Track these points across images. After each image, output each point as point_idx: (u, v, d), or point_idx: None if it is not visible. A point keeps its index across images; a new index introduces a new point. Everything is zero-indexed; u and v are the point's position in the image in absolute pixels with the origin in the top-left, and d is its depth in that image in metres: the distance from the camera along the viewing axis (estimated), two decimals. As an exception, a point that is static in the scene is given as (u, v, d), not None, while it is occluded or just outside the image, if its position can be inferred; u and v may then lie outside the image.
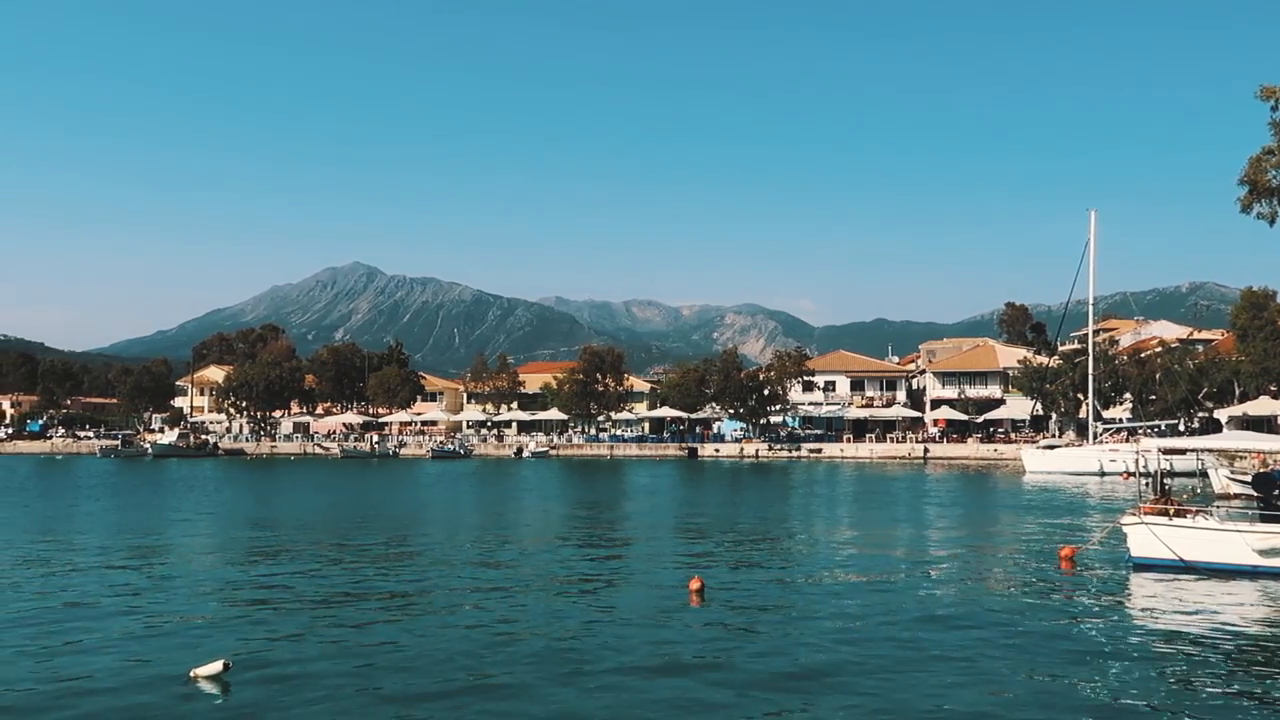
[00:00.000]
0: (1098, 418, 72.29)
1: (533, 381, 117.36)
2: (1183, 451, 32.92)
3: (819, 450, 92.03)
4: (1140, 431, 69.73)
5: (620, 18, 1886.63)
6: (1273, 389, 71.31)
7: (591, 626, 16.47)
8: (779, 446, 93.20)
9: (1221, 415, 69.72)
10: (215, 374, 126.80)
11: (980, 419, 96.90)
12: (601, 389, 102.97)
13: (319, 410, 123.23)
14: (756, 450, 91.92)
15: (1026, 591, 19.90)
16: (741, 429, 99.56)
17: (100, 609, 17.90)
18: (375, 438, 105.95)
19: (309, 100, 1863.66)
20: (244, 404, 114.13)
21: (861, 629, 16.24)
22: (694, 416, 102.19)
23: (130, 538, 29.14)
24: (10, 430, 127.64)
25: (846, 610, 17.79)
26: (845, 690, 12.78)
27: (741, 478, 62.82)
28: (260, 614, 17.55)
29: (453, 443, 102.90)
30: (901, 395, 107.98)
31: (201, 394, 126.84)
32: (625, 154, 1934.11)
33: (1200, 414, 75.26)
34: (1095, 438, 69.10)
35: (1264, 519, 21.71)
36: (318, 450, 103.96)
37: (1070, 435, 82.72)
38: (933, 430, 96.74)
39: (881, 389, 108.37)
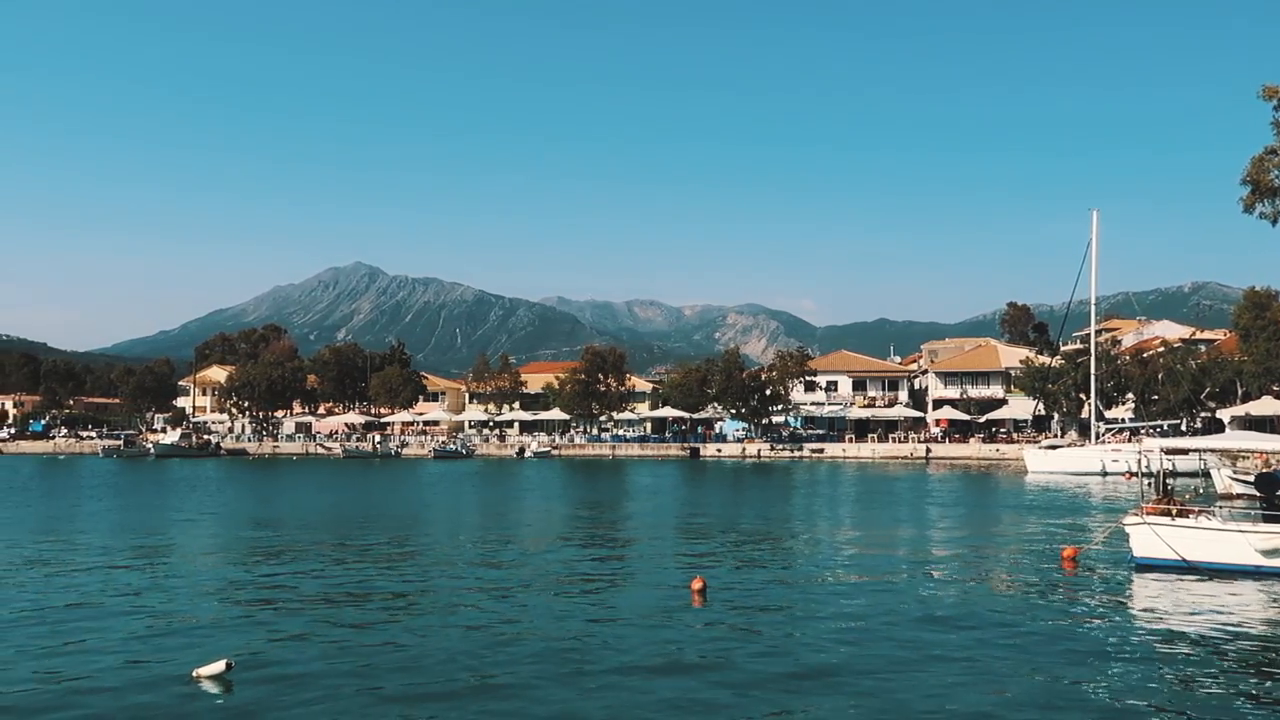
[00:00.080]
0: (1100, 418, 72.26)
1: (535, 381, 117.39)
2: (1185, 451, 32.80)
3: (821, 450, 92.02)
4: (1142, 431, 69.67)
5: (621, 18, 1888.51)
6: (1275, 389, 71.25)
7: (593, 626, 16.48)
8: (781, 446, 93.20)
9: (1224, 415, 69.66)
10: (217, 374, 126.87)
11: (982, 419, 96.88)
12: (603, 389, 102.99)
13: (321, 410, 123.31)
14: (758, 450, 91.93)
15: (1029, 592, 19.89)
16: (743, 429, 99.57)
17: (102, 609, 17.92)
18: (377, 438, 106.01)
19: (310, 100, 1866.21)
20: (246, 404, 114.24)
21: (864, 629, 16.24)
22: (696, 416, 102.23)
23: (133, 538, 29.17)
24: (13, 430, 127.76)
25: (849, 610, 17.79)
26: (847, 690, 12.78)
27: (743, 478, 62.83)
28: (262, 614, 17.57)
29: (455, 443, 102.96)
30: (903, 395, 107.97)
31: (204, 394, 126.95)
32: (626, 154, 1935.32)
33: (1203, 414, 75.17)
34: (1097, 438, 69.07)
35: (1267, 519, 21.70)
36: (320, 450, 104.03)
37: (1072, 435, 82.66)
38: (935, 430, 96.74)
39: (883, 389, 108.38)
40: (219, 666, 13.20)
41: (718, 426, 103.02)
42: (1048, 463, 66.12)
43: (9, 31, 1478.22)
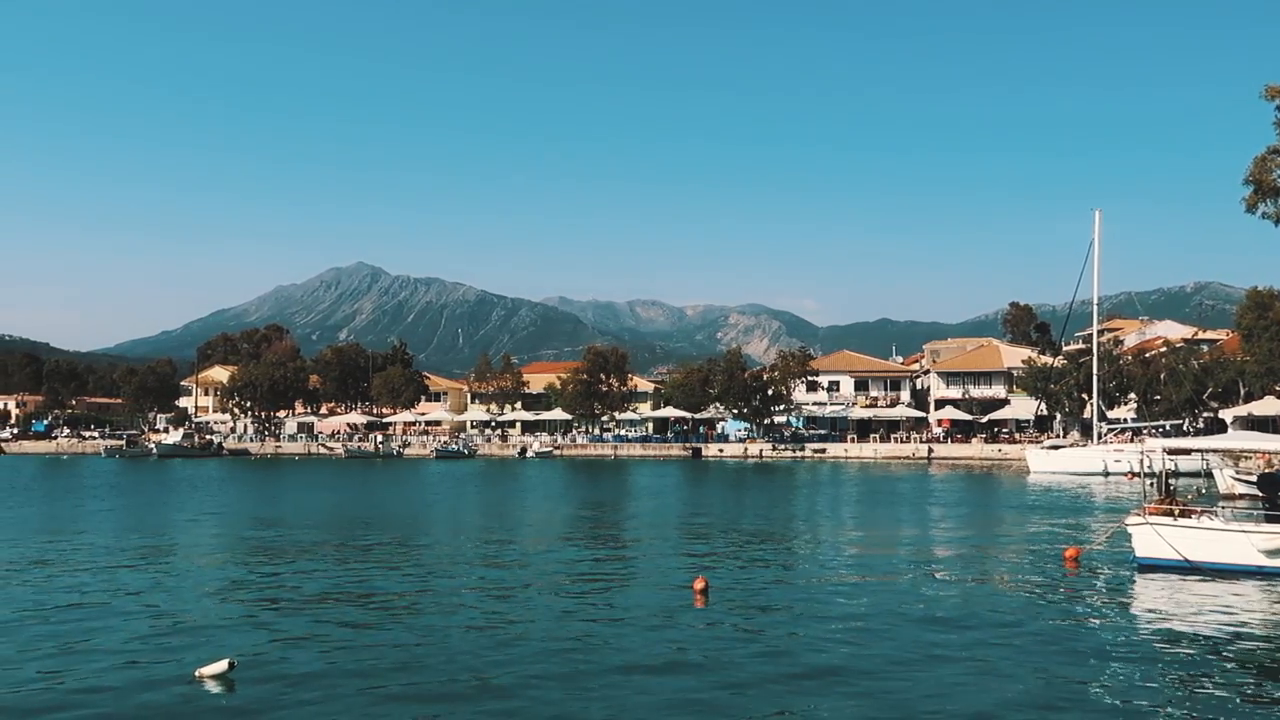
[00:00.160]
0: (1102, 418, 72.20)
1: (537, 382, 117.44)
2: (1188, 452, 32.85)
3: (823, 450, 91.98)
4: (1145, 432, 69.61)
5: (622, 17, 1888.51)
6: (1278, 389, 71.13)
7: (596, 627, 16.49)
8: (783, 447, 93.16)
9: (1226, 415, 69.59)
10: (220, 374, 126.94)
11: (985, 419, 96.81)
12: (605, 389, 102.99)
13: (323, 410, 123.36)
14: (760, 450, 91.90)
15: (1031, 592, 19.87)
16: (745, 429, 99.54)
17: (105, 609, 17.94)
18: (379, 438, 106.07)
19: (311, 101, 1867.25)
20: (248, 404, 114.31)
21: (866, 629, 16.24)
22: (698, 417, 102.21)
23: (135, 538, 29.18)
24: (16, 430, 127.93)
25: (851, 611, 17.79)
26: (850, 690, 12.78)
27: (745, 478, 62.81)
28: (265, 614, 17.58)
29: (457, 443, 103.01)
30: (906, 395, 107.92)
31: (206, 394, 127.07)
32: (628, 154, 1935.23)
33: (1205, 414, 75.13)
34: (1100, 438, 69.00)
35: (1269, 519, 21.69)
36: (322, 450, 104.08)
37: (1075, 435, 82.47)
38: (937, 430, 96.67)
39: (885, 389, 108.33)
40: (221, 666, 13.21)
41: (720, 427, 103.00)
42: (1050, 463, 66.08)
43: (9, 30, 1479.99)
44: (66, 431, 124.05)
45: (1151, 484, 24.94)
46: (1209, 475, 40.58)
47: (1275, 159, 38.72)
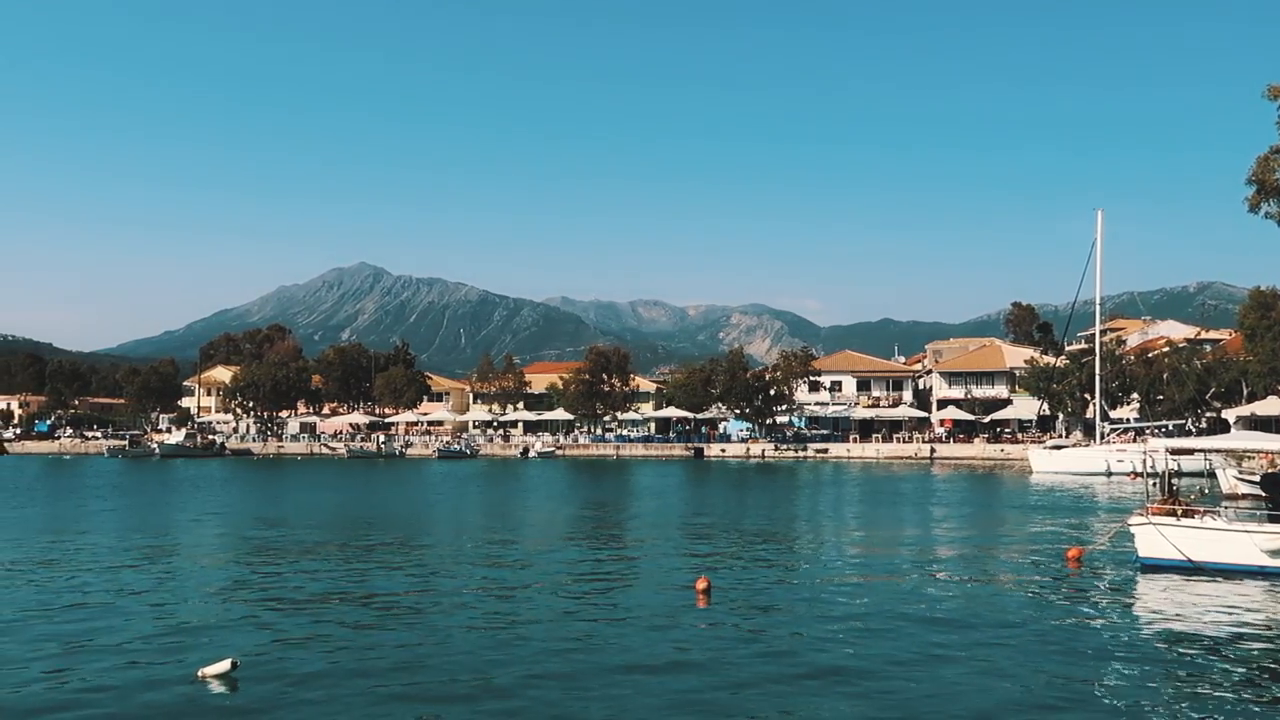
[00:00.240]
0: (1105, 418, 72.13)
1: (539, 382, 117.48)
2: (1190, 452, 32.77)
3: (825, 450, 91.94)
4: (1147, 432, 69.55)
5: (622, 16, 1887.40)
6: (1280, 389, 71.02)
7: (598, 627, 16.49)
8: (785, 447, 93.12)
9: (1229, 415, 69.51)
10: (222, 374, 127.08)
11: (987, 419, 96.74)
12: (607, 389, 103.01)
13: (325, 410, 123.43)
14: (762, 450, 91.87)
15: (1034, 593, 19.85)
16: (747, 429, 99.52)
17: (107, 609, 17.95)
18: (382, 438, 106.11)
19: (314, 100, 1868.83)
20: (251, 404, 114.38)
21: (868, 629, 16.22)
22: (700, 417, 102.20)
23: (138, 537, 29.21)
24: (19, 430, 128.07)
25: (853, 611, 17.78)
26: (852, 690, 12.77)
27: (748, 478, 62.79)
28: (267, 614, 17.59)
29: (459, 443, 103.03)
30: (908, 395, 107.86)
31: (208, 394, 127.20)
32: (630, 153, 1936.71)
33: (1208, 414, 75.05)
34: (1102, 438, 68.94)
35: (1272, 519, 21.67)
36: (324, 450, 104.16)
37: (1077, 435, 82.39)
38: (939, 430, 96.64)
39: (888, 389, 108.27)
40: (224, 666, 13.22)
41: (722, 427, 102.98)
42: (1052, 463, 66.01)
43: (10, 27, 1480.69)
44: (69, 431, 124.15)
45: (1154, 484, 24.90)
46: (1212, 475, 40.52)
47: (1278, 159, 38.66)
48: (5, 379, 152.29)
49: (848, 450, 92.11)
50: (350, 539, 29.02)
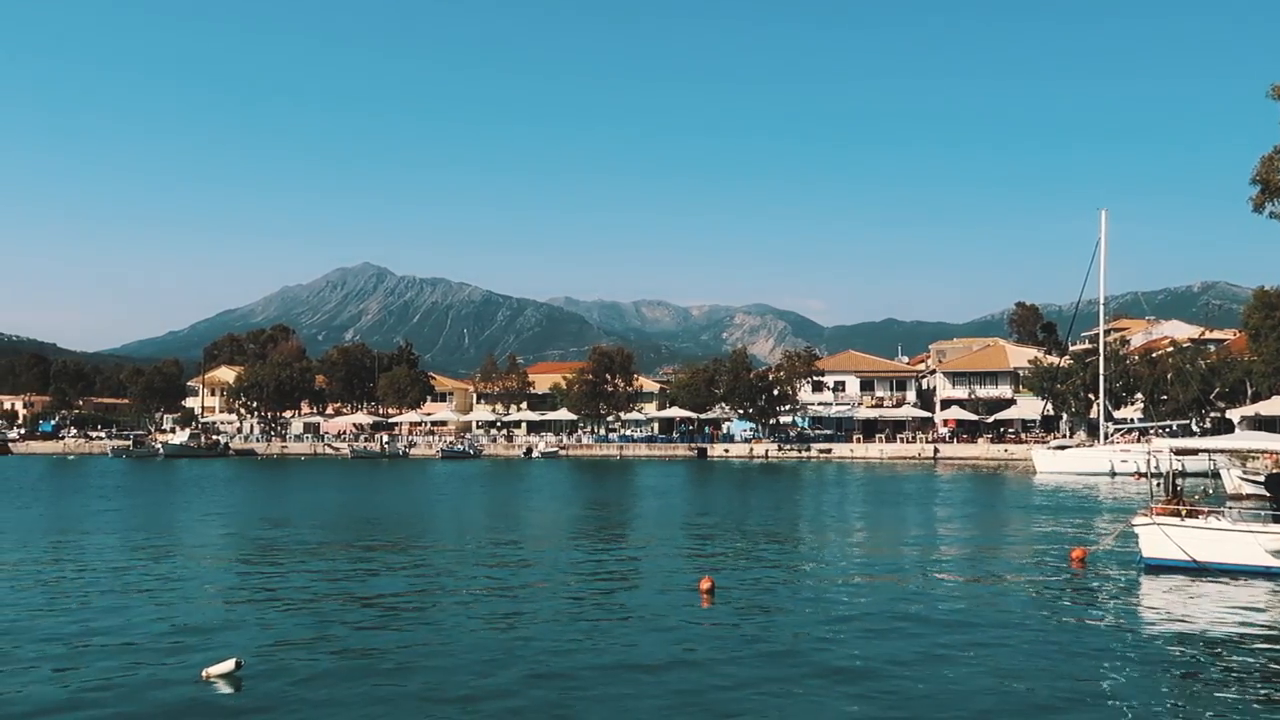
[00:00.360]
0: (1109, 418, 72.05)
1: (542, 382, 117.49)
2: (1195, 452, 32.77)
3: (829, 450, 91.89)
4: (1152, 432, 69.46)
5: (624, 14, 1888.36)
6: (1285, 389, 70.87)
7: (602, 626, 16.49)
8: (788, 447, 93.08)
9: (1234, 415, 69.39)
10: (226, 374, 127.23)
11: (991, 419, 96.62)
12: (611, 389, 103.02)
13: (329, 411, 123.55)
14: (766, 450, 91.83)
15: (1037, 593, 19.84)
16: (751, 429, 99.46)
17: (111, 609, 17.98)
18: (385, 438, 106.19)
19: (317, 100, 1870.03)
20: (255, 404, 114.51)
21: (871, 630, 16.22)
22: (703, 417, 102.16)
23: (141, 537, 29.27)
24: (23, 430, 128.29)
25: (856, 611, 17.78)
26: (856, 691, 12.77)
27: (751, 478, 62.78)
28: (272, 614, 17.62)
29: (462, 443, 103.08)
30: (911, 395, 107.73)
31: (212, 394, 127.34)
32: (633, 153, 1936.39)
33: (1212, 414, 74.89)
34: (1106, 438, 68.86)
35: (1277, 520, 21.65)
36: (328, 450, 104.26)
37: (1081, 435, 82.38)
38: (943, 430, 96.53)
39: (891, 389, 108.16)
40: (228, 666, 13.25)
41: (725, 427, 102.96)
42: (1056, 463, 65.94)
43: (12, 26, 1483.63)
44: (73, 432, 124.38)
45: (1158, 484, 24.88)
46: (1216, 475, 40.49)
47: (1282, 158, 38.57)
48: (10, 379, 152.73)
49: (851, 450, 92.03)
50: (354, 539, 29.06)
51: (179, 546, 27.54)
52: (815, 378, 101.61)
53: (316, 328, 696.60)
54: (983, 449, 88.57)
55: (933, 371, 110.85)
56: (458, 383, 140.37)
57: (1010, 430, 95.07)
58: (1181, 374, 78.43)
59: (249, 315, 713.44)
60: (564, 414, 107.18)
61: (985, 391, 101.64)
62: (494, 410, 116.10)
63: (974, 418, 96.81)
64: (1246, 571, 20.83)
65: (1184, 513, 22.15)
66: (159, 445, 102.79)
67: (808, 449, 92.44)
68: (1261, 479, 34.35)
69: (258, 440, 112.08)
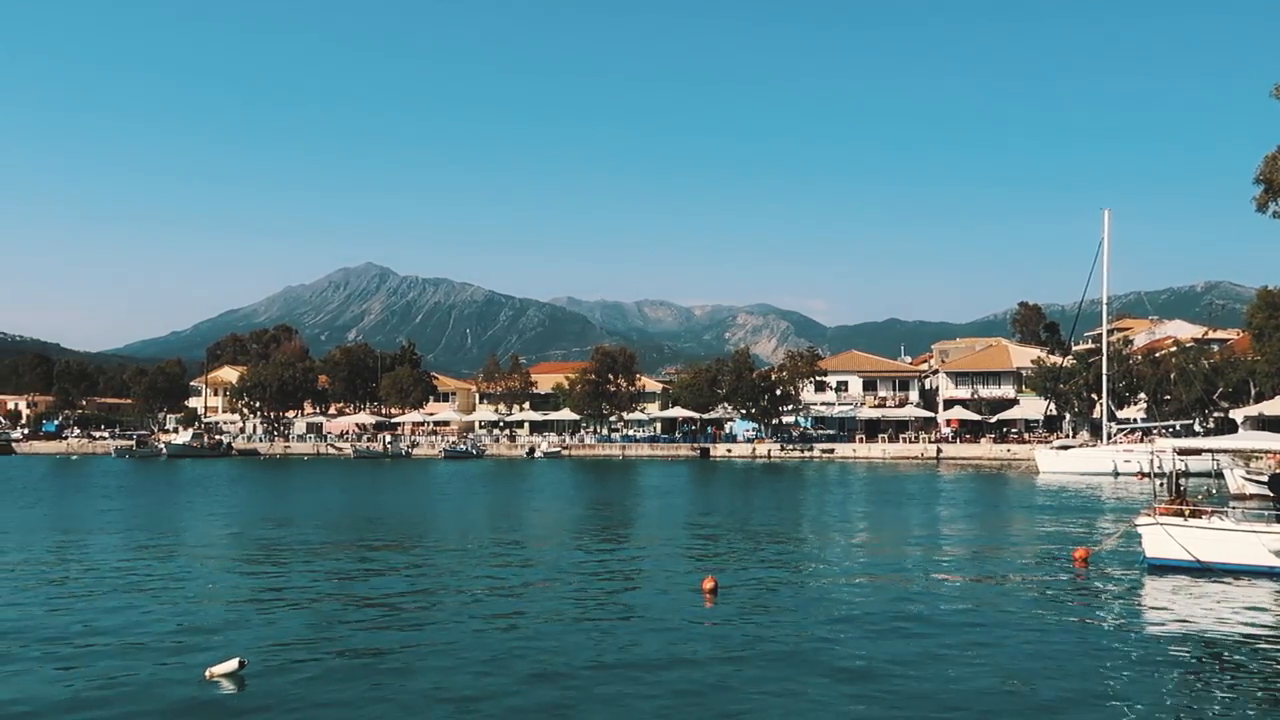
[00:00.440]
0: (1112, 418, 72.00)
1: (545, 382, 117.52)
2: (1198, 452, 32.73)
3: (831, 450, 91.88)
4: (1155, 432, 69.38)
5: (626, 13, 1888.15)
6: (1289, 389, 70.77)
7: (605, 626, 16.50)
8: (791, 447, 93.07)
9: (1237, 415, 69.29)
10: (229, 374, 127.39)
11: (994, 419, 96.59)
12: (613, 389, 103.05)
13: (332, 410, 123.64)
14: (769, 450, 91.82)
15: (1040, 593, 19.83)
16: (753, 429, 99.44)
17: (115, 609, 18.00)
18: (388, 438, 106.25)
19: (320, 101, 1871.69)
20: (257, 404, 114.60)
21: (874, 630, 16.22)
22: (706, 417, 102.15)
23: (145, 537, 29.31)
24: (26, 430, 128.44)
25: (859, 611, 17.78)
26: (859, 691, 12.77)
27: (754, 478, 62.77)
28: (275, 613, 17.64)
29: (465, 443, 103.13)
30: (914, 395, 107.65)
31: (215, 394, 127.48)
32: (637, 153, 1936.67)
33: (1215, 414, 74.83)
34: (1109, 438, 68.82)
35: (1280, 520, 21.61)
36: (331, 450, 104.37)
37: (1084, 435, 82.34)
38: (946, 430, 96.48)
39: (894, 389, 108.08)
40: (232, 665, 13.27)
41: (728, 427, 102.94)
42: (1059, 463, 65.90)
43: (14, 25, 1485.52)
44: (77, 432, 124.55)
45: (1162, 484, 24.89)
46: (1219, 475, 40.45)
47: (1286, 158, 38.55)
48: (13, 379, 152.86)
49: (854, 450, 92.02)
50: (356, 539, 29.08)
51: (182, 546, 27.57)
52: (818, 378, 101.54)
53: (319, 328, 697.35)
54: (985, 449, 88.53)
55: (935, 371, 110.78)
56: (460, 383, 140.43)
57: (1013, 430, 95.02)
58: (1185, 374, 78.36)
59: (252, 315, 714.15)
60: (566, 414, 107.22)
61: (988, 391, 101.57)
62: (496, 410, 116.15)
63: (977, 418, 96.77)
64: (1250, 572, 20.81)
65: (1187, 513, 22.13)
66: (162, 445, 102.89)
67: (810, 449, 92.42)
68: (1265, 479, 34.30)
69: (260, 440, 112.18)
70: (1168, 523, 21.91)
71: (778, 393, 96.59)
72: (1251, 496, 36.40)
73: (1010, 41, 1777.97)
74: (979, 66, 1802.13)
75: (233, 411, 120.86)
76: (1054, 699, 12.42)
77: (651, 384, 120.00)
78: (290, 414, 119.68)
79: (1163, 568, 21.71)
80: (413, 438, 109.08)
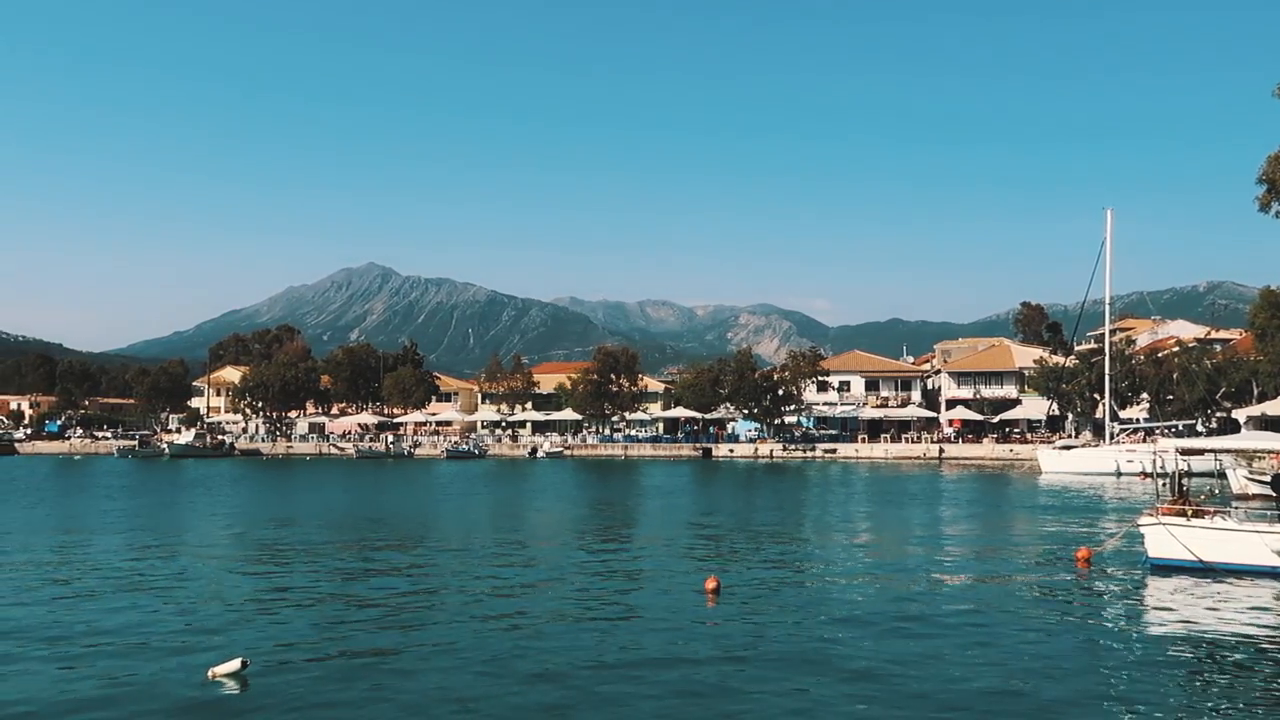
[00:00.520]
0: (1114, 418, 71.92)
1: (547, 382, 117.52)
2: (1200, 452, 32.63)
3: (834, 450, 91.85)
4: (1157, 432, 69.30)
5: (627, 12, 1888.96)
6: (1291, 389, 70.71)
7: (607, 625, 16.52)
8: (793, 447, 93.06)
9: (1239, 415, 69.25)
10: (231, 374, 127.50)
11: (996, 419, 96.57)
12: (616, 389, 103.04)
13: (334, 411, 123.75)
14: (771, 450, 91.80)
15: (1043, 593, 19.83)
16: (756, 429, 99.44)
17: (117, 609, 18.03)
18: (390, 438, 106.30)
19: (322, 100, 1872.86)
20: (260, 404, 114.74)
21: (876, 630, 16.22)
22: (708, 417, 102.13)
23: (147, 537, 29.35)
24: (29, 431, 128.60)
25: (861, 611, 17.78)
26: (860, 691, 12.78)
27: (756, 478, 62.77)
28: (277, 613, 17.66)
29: (467, 443, 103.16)
30: (916, 395, 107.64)
31: (218, 394, 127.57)
32: (638, 152, 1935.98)
33: (1218, 414, 74.76)
34: (1112, 438, 68.76)
35: (1283, 520, 21.58)
36: (333, 450, 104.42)
37: (1087, 435, 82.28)
38: (948, 430, 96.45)
39: (896, 389, 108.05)
40: (234, 665, 13.28)
41: (730, 427, 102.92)
42: (1062, 463, 65.86)
43: (16, 21, 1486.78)
44: (79, 432, 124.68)
45: (1164, 484, 24.87)
46: (1222, 476, 40.34)
47: (1289, 158, 38.51)
48: (15, 379, 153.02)
49: (856, 450, 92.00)
50: (359, 539, 29.10)
51: (184, 546, 27.60)
52: (820, 378, 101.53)
53: (322, 328, 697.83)
54: (988, 449, 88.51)
55: (938, 371, 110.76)
56: (462, 383, 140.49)
57: (1015, 430, 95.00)
58: (1187, 374, 78.31)
59: (254, 315, 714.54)
60: (569, 414, 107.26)
61: (990, 391, 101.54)
62: (499, 410, 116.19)
63: (979, 418, 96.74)
64: (1252, 571, 20.79)
65: (1190, 513, 22.12)
66: (164, 445, 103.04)
67: (813, 449, 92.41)
68: (1267, 479, 34.28)
69: (263, 440, 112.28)
70: (1170, 523, 21.90)
71: (780, 393, 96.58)
72: (1254, 496, 36.35)
73: (1013, 39, 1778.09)
74: (982, 64, 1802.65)
75: (235, 412, 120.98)
76: (1056, 699, 12.41)
77: (654, 384, 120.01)
78: (293, 414, 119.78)
79: (1165, 568, 21.70)
80: (415, 438, 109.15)
